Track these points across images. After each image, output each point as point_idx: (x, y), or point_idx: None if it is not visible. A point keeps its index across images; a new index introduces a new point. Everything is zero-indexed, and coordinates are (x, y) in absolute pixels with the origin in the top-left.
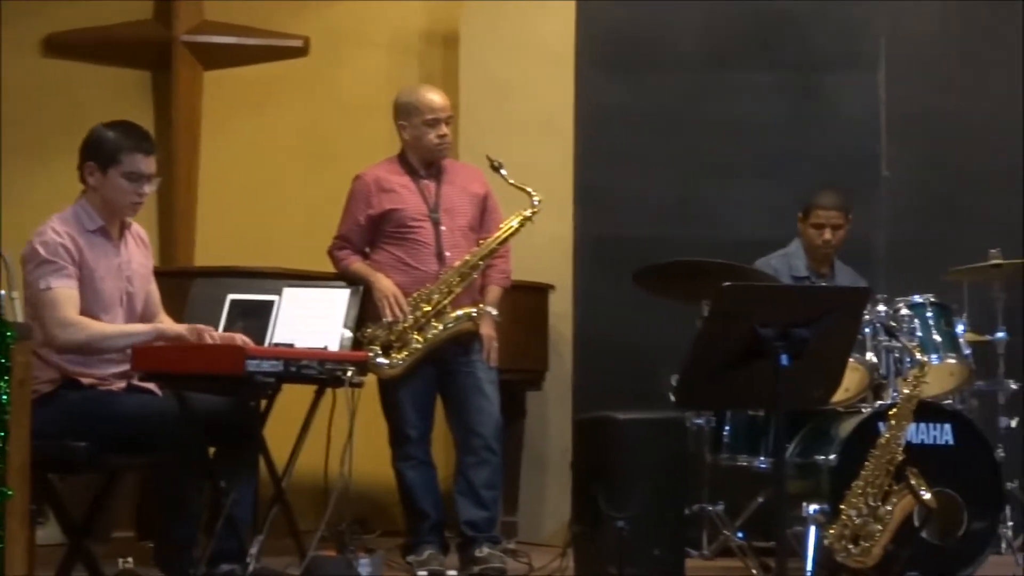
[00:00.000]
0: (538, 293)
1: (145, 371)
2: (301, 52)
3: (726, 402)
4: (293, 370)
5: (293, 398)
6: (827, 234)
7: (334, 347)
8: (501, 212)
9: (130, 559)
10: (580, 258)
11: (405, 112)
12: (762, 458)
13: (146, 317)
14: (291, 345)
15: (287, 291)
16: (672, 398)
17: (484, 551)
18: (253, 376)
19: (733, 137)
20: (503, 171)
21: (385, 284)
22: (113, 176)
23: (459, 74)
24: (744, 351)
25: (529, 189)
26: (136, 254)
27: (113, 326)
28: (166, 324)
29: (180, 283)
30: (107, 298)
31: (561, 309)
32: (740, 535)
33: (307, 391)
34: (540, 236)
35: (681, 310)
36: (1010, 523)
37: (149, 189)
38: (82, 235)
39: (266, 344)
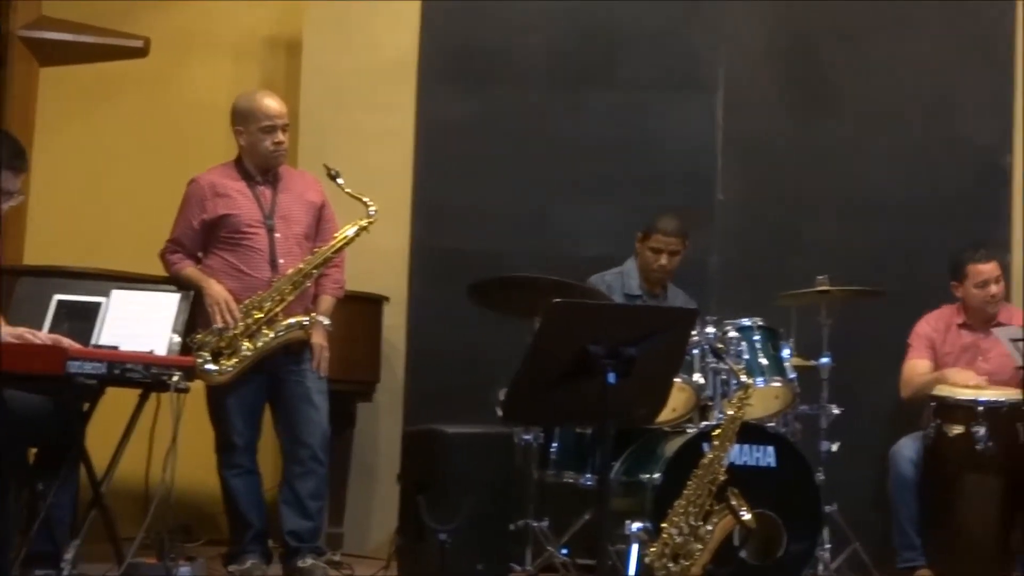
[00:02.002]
0: (372, 304)
1: None
2: (141, 52)
3: (553, 418)
4: (117, 373)
5: (118, 401)
6: (663, 259)
7: (161, 351)
8: (337, 221)
9: None
10: (415, 270)
11: (242, 118)
12: (588, 475)
13: None
14: (116, 347)
15: (115, 293)
16: (499, 413)
17: (307, 562)
18: (74, 377)
19: (572, 155)
20: (340, 180)
21: (216, 290)
22: None
23: (301, 81)
24: (572, 368)
25: (365, 199)
26: None
27: None
28: None
29: (6, 281)
30: None
31: (395, 321)
32: (564, 551)
33: (132, 395)
34: (376, 247)
35: (515, 325)
36: (828, 545)
37: (6, 205)
38: None
39: (90, 346)
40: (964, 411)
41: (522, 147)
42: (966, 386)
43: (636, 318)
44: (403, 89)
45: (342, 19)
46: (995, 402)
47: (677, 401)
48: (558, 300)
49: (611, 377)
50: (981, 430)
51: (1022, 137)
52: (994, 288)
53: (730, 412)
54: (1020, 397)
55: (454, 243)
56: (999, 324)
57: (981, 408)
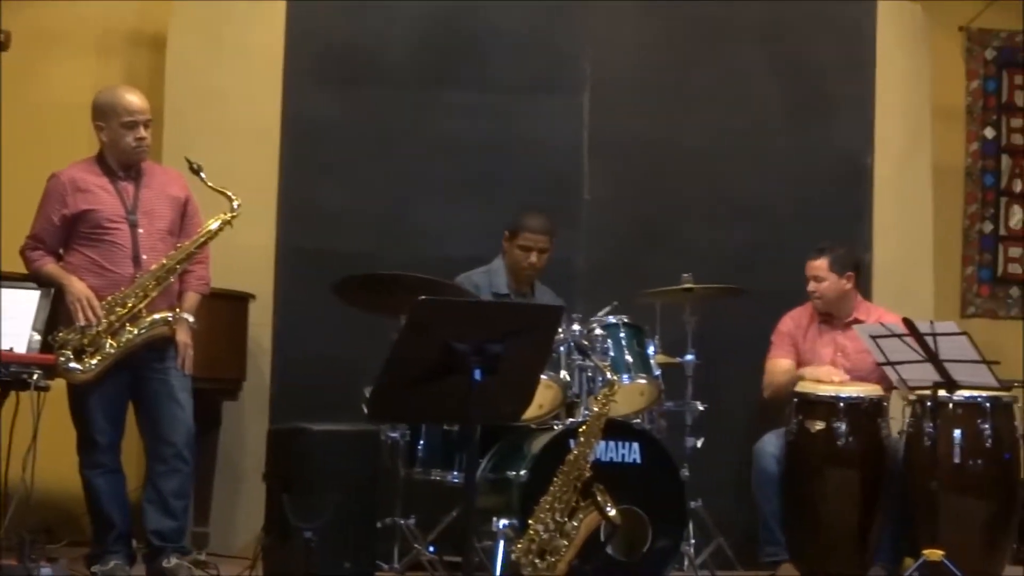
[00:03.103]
0: (238, 302)
1: None
2: (1, 47)
3: (419, 416)
4: None
5: None
6: (533, 257)
7: (21, 349)
8: (201, 217)
9: None
10: (282, 268)
11: (103, 113)
12: (455, 472)
13: None
14: None
15: None
16: (365, 411)
17: (172, 562)
18: None
19: (441, 154)
20: (203, 174)
21: (78, 287)
22: None
23: (165, 78)
24: (438, 365)
25: (229, 193)
26: None
27: None
28: None
29: None
30: None
31: (261, 319)
32: (431, 549)
33: None
34: (242, 245)
35: (383, 323)
36: (693, 541)
37: None
38: None
39: None
40: (825, 407)
41: (389, 146)
42: (828, 382)
43: (502, 315)
44: (269, 86)
45: (208, 15)
46: (855, 398)
47: (544, 398)
48: (423, 297)
49: (477, 374)
50: (842, 426)
51: (882, 138)
52: (811, 284)
53: (595, 409)
54: (880, 393)
55: (321, 241)
56: (858, 321)
57: (842, 404)
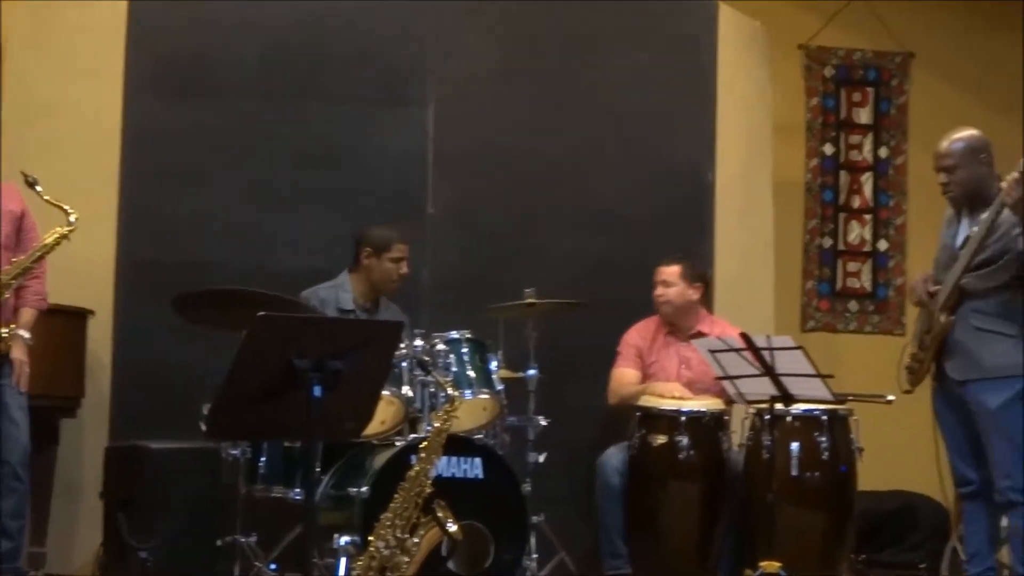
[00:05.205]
0: (76, 317)
1: None
2: None
3: (259, 433)
4: None
5: None
6: (404, 267)
7: None
8: (39, 231)
9: None
10: (122, 283)
11: None
12: (297, 489)
13: None
14: None
15: None
16: (203, 428)
17: None
18: None
19: (285, 166)
20: (38, 187)
21: None
22: None
23: (1, 88)
24: (279, 381)
25: (66, 207)
26: None
27: None
28: None
29: None
30: None
31: (100, 335)
32: (272, 567)
33: None
34: (81, 259)
35: (226, 338)
36: (535, 555)
37: None
38: None
39: None
40: (667, 421)
41: (232, 157)
42: (670, 397)
43: (342, 331)
44: (109, 96)
45: (45, 22)
46: (697, 412)
47: (386, 414)
48: (263, 313)
49: (317, 391)
50: (684, 439)
51: (724, 154)
52: (659, 289)
53: (437, 424)
54: (722, 407)
55: (162, 255)
56: (701, 334)
57: (684, 418)
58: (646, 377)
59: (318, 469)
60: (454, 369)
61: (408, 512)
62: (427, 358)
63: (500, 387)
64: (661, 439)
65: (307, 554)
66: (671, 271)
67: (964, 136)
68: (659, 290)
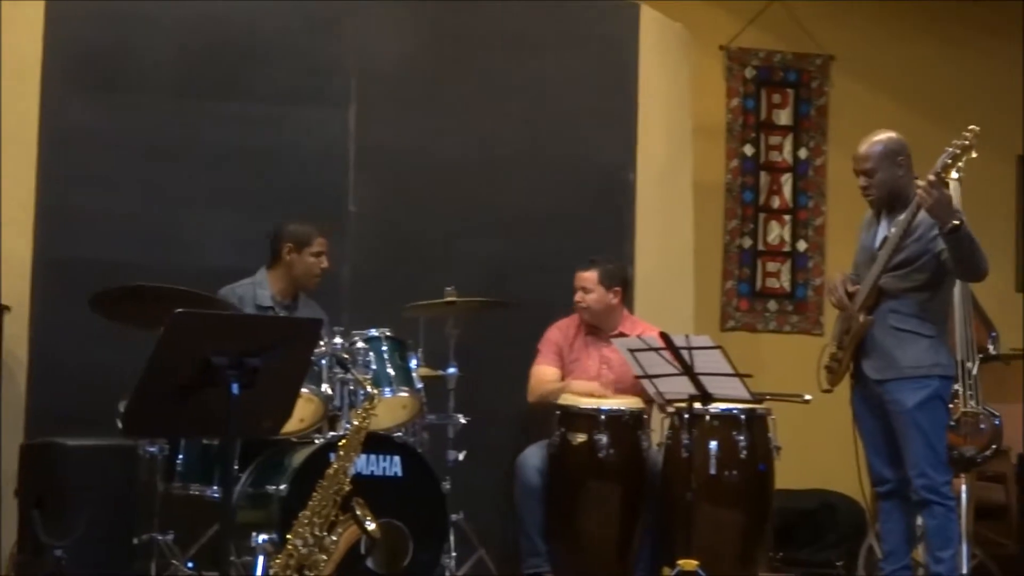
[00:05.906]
0: None
1: None
2: None
3: (176, 430)
4: None
5: None
6: (325, 261)
7: None
8: None
9: None
10: (39, 279)
11: None
12: (215, 487)
13: None
14: None
15: None
16: (120, 425)
17: None
18: None
19: (204, 163)
20: None
21: None
22: None
23: None
24: (196, 379)
25: None
26: None
27: None
28: None
29: None
30: None
31: (16, 331)
32: (190, 565)
33: None
34: None
35: (143, 336)
36: (454, 553)
37: None
38: None
39: None
40: (587, 420)
41: (150, 155)
42: (590, 395)
43: (260, 329)
44: (26, 92)
45: None
46: (617, 411)
47: (305, 412)
48: (180, 310)
49: (235, 388)
50: (603, 438)
51: (644, 154)
52: (579, 294)
53: (355, 422)
54: (641, 406)
55: (79, 251)
56: (622, 335)
57: (603, 416)
58: (566, 375)
59: (236, 467)
60: (373, 367)
61: (327, 510)
62: (346, 356)
63: (420, 385)
64: (581, 438)
65: (224, 552)
66: (588, 276)
67: (882, 139)
68: (578, 295)
